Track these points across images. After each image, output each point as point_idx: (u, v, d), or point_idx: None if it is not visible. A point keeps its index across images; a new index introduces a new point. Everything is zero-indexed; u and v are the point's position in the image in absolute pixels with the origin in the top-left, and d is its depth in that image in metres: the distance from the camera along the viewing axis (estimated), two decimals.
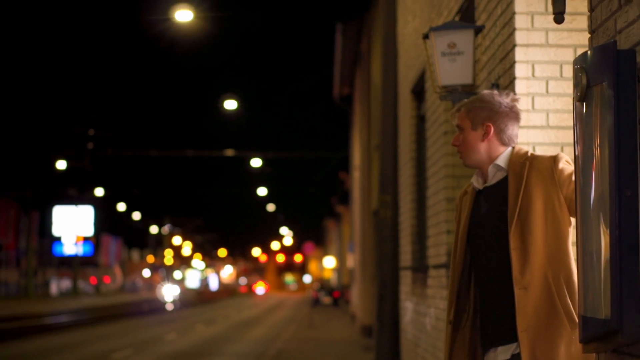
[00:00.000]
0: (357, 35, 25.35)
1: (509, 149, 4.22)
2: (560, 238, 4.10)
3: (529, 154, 4.20)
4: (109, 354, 21.81)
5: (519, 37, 5.98)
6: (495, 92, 4.31)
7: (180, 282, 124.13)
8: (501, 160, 4.21)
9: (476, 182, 4.29)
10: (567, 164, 4.10)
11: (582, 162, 3.75)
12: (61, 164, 51.90)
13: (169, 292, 72.70)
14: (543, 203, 4.07)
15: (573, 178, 4.00)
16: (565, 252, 4.12)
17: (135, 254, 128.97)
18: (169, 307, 59.62)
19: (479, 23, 6.98)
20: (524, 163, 4.14)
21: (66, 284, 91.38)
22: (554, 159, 4.12)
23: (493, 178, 4.22)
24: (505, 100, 4.28)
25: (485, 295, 4.23)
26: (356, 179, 29.58)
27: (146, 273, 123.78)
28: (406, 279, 12.05)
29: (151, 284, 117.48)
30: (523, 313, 4.06)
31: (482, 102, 4.28)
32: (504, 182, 4.16)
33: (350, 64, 28.43)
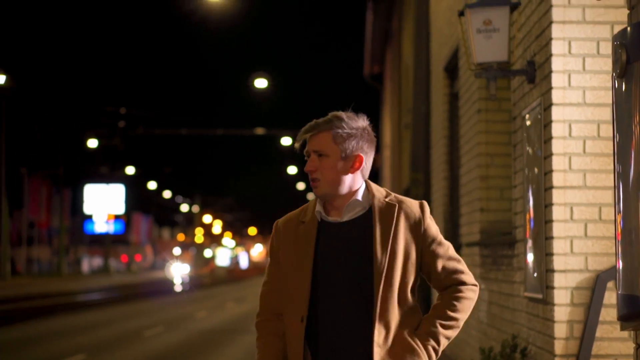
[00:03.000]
0: (388, 13, 25.24)
1: (364, 183, 3.75)
2: (406, 291, 3.69)
3: (392, 194, 3.76)
4: (140, 330, 21.94)
5: (556, 13, 5.93)
6: (352, 114, 3.75)
7: (211, 260, 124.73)
8: (360, 196, 3.73)
9: (323, 214, 3.75)
10: (432, 220, 3.72)
11: (621, 139, 3.72)
12: (93, 143, 52.21)
13: (177, 272, 68.29)
14: (404, 252, 3.67)
15: (438, 238, 3.71)
16: (413, 307, 3.70)
17: (165, 233, 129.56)
18: (178, 288, 53.87)
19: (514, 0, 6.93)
20: (392, 204, 3.70)
21: (97, 261, 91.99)
22: (422, 209, 3.73)
23: (349, 214, 3.72)
24: (368, 126, 3.76)
25: (331, 339, 3.67)
26: (386, 158, 29.53)
27: (177, 251, 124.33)
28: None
29: (182, 262, 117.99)
30: None
31: (351, 128, 3.71)
32: (363, 220, 3.69)
33: (381, 42, 28.33)
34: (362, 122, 3.74)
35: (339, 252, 3.68)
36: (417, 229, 3.69)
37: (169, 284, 55.26)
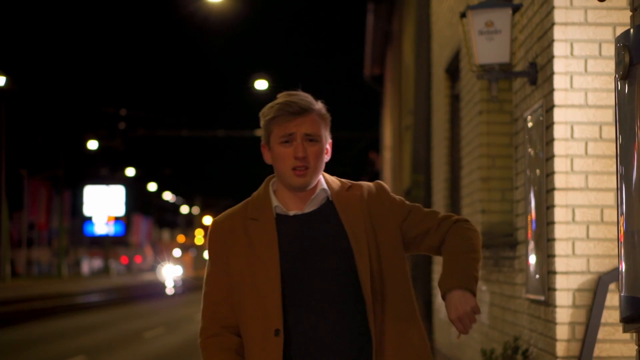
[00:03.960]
0: (388, 14, 25.24)
1: None
2: (406, 280, 3.38)
3: (345, 180, 3.44)
4: (141, 332, 21.96)
5: (558, 15, 5.93)
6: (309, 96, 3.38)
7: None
8: (323, 185, 3.37)
9: (282, 207, 3.34)
10: (393, 194, 3.42)
11: (623, 141, 3.72)
12: (93, 144, 52.22)
13: (169, 274, 64.51)
14: (382, 237, 3.32)
15: (408, 207, 3.40)
16: (412, 300, 3.39)
17: (165, 234, 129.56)
18: (169, 290, 51.30)
19: (516, 1, 6.93)
20: (351, 191, 3.37)
21: (97, 263, 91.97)
22: (380, 187, 3.42)
23: (312, 206, 3.34)
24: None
25: (315, 352, 3.24)
26: (387, 159, 29.52)
27: (177, 253, 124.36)
28: (439, 258, 12.02)
29: (182, 264, 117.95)
30: None
31: (327, 111, 3.39)
32: (325, 211, 3.31)
33: (381, 44, 28.33)
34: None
35: (307, 250, 3.26)
36: (384, 208, 3.35)
37: (161, 286, 54.48)
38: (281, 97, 3.35)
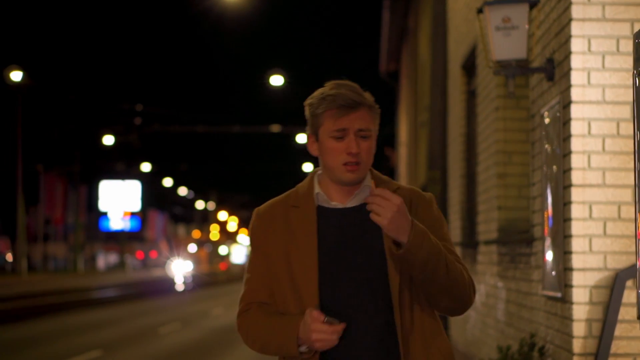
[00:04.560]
0: (404, 10, 25.20)
1: None
2: None
3: (393, 180, 3.35)
4: (156, 327, 21.99)
5: (575, 11, 5.91)
6: None
7: (226, 257, 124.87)
8: (369, 180, 3.30)
9: (325, 198, 3.29)
10: (440, 214, 3.32)
11: None
12: (109, 139, 52.30)
13: (179, 270, 62.08)
14: None
15: (447, 235, 3.29)
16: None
17: (181, 229, 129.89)
18: (179, 287, 49.29)
19: None
20: (397, 193, 3.26)
21: (113, 258, 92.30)
22: (430, 196, 3.34)
23: (355, 200, 3.29)
24: None
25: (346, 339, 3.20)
26: (402, 155, 29.49)
27: (192, 248, 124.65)
28: None
29: (197, 259, 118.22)
30: None
31: (374, 102, 3.28)
32: (366, 206, 3.12)
33: (397, 40, 28.29)
34: None
35: (342, 243, 3.23)
36: (428, 218, 3.25)
37: (170, 282, 54.00)
38: (330, 88, 3.24)
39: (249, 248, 3.40)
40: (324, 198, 3.28)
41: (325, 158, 3.25)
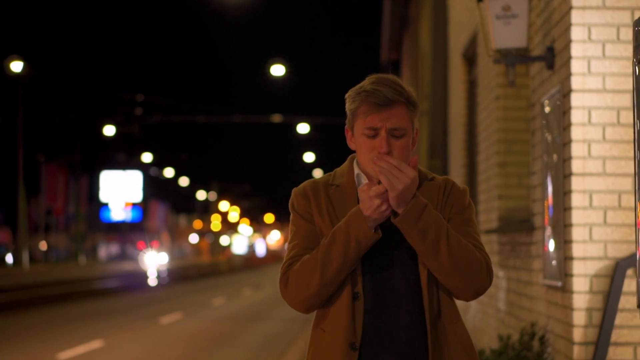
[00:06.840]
0: (405, 0, 25.18)
1: None
2: None
3: (428, 171, 3.37)
4: (158, 317, 22.02)
5: None
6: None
7: (228, 247, 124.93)
8: None
9: (365, 178, 3.29)
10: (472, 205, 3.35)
11: None
12: (110, 130, 52.23)
13: (152, 262, 58.39)
14: None
15: (473, 222, 3.31)
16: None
17: (182, 220, 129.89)
18: (152, 281, 45.24)
19: None
20: (433, 181, 3.30)
21: (114, 248, 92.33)
22: (465, 188, 3.35)
23: None
24: None
25: (382, 321, 3.23)
26: None
27: (193, 238, 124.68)
28: None
29: (199, 249, 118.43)
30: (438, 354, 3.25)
31: (416, 99, 3.25)
32: None
33: (398, 29, 28.26)
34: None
35: (381, 223, 3.19)
36: (458, 206, 3.28)
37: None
38: (369, 83, 3.21)
39: (290, 225, 3.39)
40: (365, 178, 3.28)
41: (358, 152, 3.27)
